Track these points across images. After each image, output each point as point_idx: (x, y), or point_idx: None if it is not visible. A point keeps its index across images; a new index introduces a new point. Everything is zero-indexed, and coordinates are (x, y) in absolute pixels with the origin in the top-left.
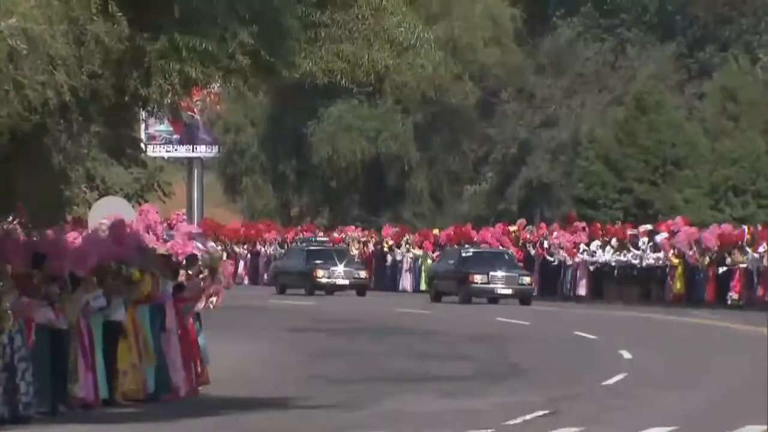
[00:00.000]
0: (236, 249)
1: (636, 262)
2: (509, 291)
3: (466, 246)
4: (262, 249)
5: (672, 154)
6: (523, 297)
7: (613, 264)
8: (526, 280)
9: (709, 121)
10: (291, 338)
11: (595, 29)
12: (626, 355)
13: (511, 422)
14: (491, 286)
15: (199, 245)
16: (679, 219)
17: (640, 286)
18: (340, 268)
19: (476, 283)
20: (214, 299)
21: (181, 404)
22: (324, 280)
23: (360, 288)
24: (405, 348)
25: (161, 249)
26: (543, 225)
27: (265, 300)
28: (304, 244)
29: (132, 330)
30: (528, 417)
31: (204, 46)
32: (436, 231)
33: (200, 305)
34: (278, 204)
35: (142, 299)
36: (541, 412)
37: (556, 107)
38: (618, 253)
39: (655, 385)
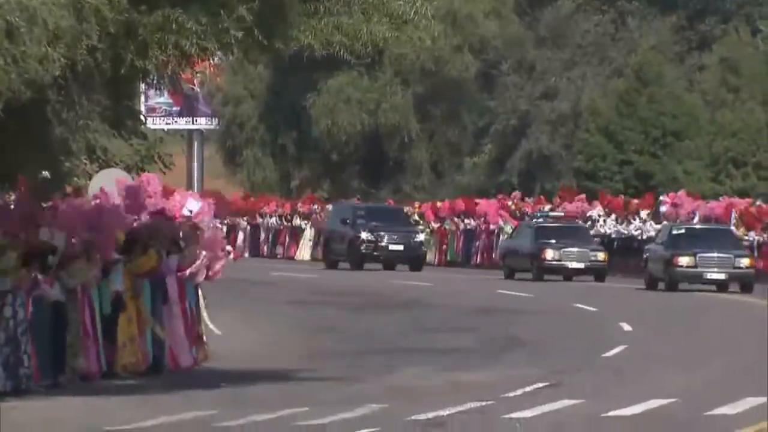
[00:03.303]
0: (236, 221)
1: (637, 233)
2: (722, 276)
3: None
4: (262, 221)
5: (672, 126)
6: (744, 283)
7: (614, 236)
8: (744, 261)
9: (710, 93)
10: (292, 311)
11: (595, 1)
12: (626, 327)
13: (511, 394)
14: (699, 269)
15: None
16: (682, 192)
17: (641, 258)
18: (573, 249)
19: (681, 266)
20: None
21: (180, 377)
22: (554, 263)
23: (598, 272)
24: (406, 320)
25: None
26: (542, 197)
27: (265, 273)
28: (534, 221)
29: (132, 302)
30: (528, 389)
31: (190, 25)
32: (438, 203)
33: (200, 277)
34: (278, 176)
35: (144, 273)
36: (541, 385)
37: (556, 79)
38: (618, 225)
39: (654, 358)
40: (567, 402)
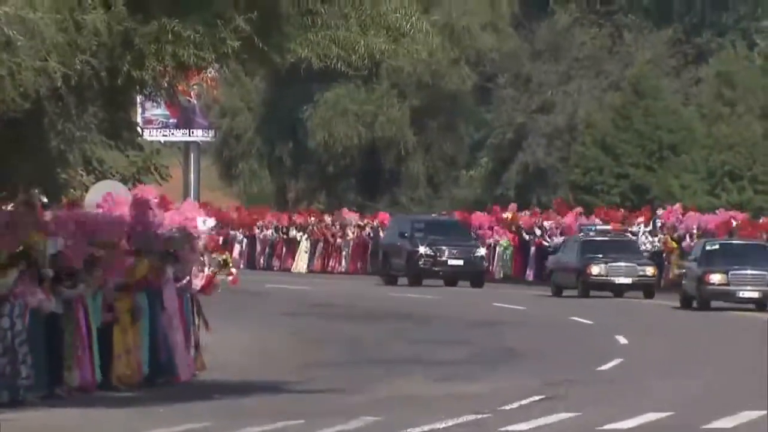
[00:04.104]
0: (232, 233)
1: None
2: (757, 294)
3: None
4: (259, 233)
5: (668, 140)
6: None
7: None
8: None
9: (706, 107)
10: (287, 323)
11: (591, 14)
12: (622, 340)
13: (507, 407)
14: (732, 287)
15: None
16: (678, 206)
17: None
18: (621, 264)
19: (712, 284)
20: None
21: (176, 389)
22: (601, 279)
23: (647, 288)
24: (401, 333)
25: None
26: (536, 211)
27: (261, 285)
28: (581, 234)
29: (127, 314)
30: (524, 402)
31: (188, 34)
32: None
33: (196, 285)
34: (274, 188)
35: (138, 284)
36: (536, 397)
37: (552, 92)
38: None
39: (650, 371)
40: (562, 415)
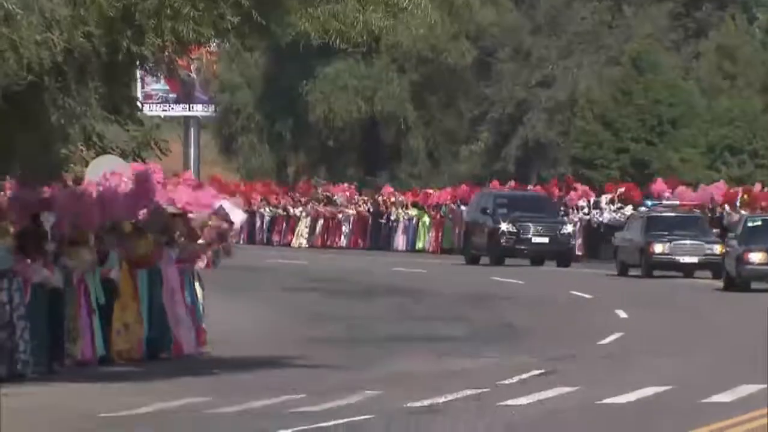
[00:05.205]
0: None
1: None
2: None
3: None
4: (259, 209)
5: (668, 114)
6: None
7: (609, 223)
8: None
9: (706, 81)
10: (288, 299)
11: None
12: (622, 314)
13: (506, 382)
14: (766, 267)
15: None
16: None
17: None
18: (686, 242)
19: (751, 263)
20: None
21: (178, 364)
22: (664, 258)
23: (715, 268)
24: (401, 308)
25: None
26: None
27: (262, 260)
28: (644, 209)
29: (128, 290)
30: (523, 377)
31: (187, 10)
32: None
33: (200, 264)
34: (274, 163)
35: (140, 262)
36: (536, 372)
37: (552, 66)
38: (614, 212)
39: (650, 345)
40: (562, 389)
